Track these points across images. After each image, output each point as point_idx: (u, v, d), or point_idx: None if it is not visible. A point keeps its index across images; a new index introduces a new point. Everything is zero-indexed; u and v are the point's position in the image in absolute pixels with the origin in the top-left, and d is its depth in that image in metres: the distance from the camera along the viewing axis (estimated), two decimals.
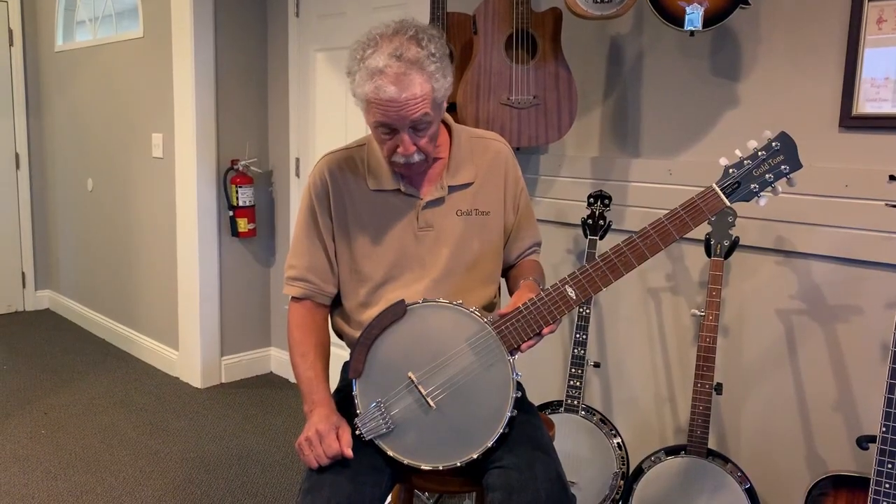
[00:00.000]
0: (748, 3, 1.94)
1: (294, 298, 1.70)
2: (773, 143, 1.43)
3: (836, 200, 1.97)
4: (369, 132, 1.73)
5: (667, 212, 1.46)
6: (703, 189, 1.45)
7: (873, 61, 1.91)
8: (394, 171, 1.64)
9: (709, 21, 1.95)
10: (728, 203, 1.44)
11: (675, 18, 1.97)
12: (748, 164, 1.44)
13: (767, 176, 1.44)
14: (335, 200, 1.66)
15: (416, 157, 1.54)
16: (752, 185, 1.44)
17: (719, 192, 1.44)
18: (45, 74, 4.95)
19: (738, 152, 1.46)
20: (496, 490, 1.46)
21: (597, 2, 2.08)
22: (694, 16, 1.95)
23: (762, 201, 1.45)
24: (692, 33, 1.99)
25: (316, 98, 3.52)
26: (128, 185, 4.22)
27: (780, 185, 1.45)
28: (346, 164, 1.68)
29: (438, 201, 1.65)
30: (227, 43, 3.65)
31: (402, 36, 1.47)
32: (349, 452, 1.50)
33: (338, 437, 1.51)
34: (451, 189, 1.66)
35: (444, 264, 1.66)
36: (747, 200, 1.45)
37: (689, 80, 2.28)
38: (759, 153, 1.44)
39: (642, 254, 1.46)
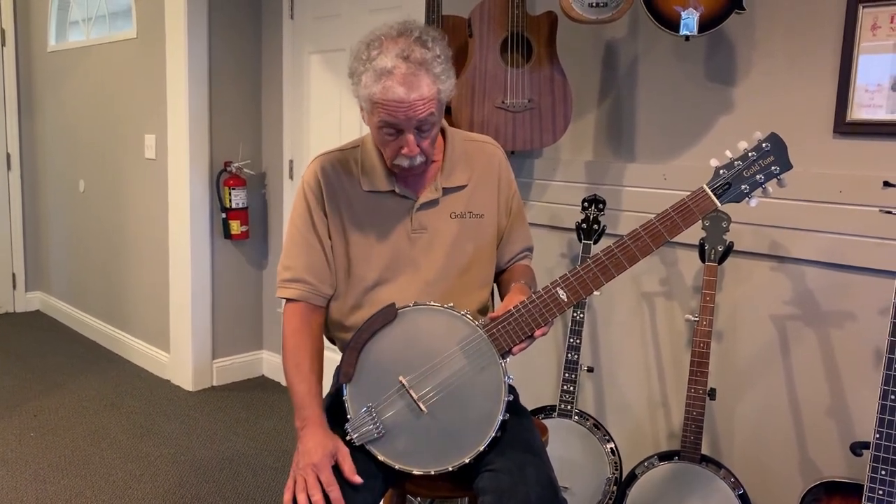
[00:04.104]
0: (743, 9, 1.94)
1: (289, 301, 1.66)
2: (763, 144, 1.43)
3: (831, 206, 1.97)
4: (363, 133, 1.73)
5: (658, 213, 1.45)
6: (693, 190, 1.45)
7: (867, 67, 1.91)
8: (388, 173, 1.64)
9: (704, 26, 1.95)
10: (719, 204, 1.44)
11: (671, 23, 1.97)
12: (738, 165, 1.44)
13: (758, 177, 1.43)
14: (329, 200, 1.65)
15: (419, 159, 1.54)
16: (743, 187, 1.44)
17: (710, 192, 1.44)
18: (37, 75, 4.92)
19: (728, 153, 1.46)
20: (487, 493, 1.45)
21: (592, 6, 2.08)
22: (689, 20, 1.95)
23: (753, 202, 1.45)
24: (687, 38, 1.98)
25: (310, 100, 3.51)
26: (120, 186, 4.19)
27: (771, 186, 1.44)
28: (340, 164, 1.67)
29: (433, 203, 1.65)
30: (221, 44, 3.64)
31: (408, 38, 1.46)
32: (357, 479, 1.46)
33: (338, 463, 1.48)
34: (446, 191, 1.66)
35: (437, 267, 1.65)
36: (738, 201, 1.45)
37: (683, 84, 2.27)
38: (750, 154, 1.43)
39: (633, 255, 1.45)
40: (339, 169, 1.66)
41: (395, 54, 1.44)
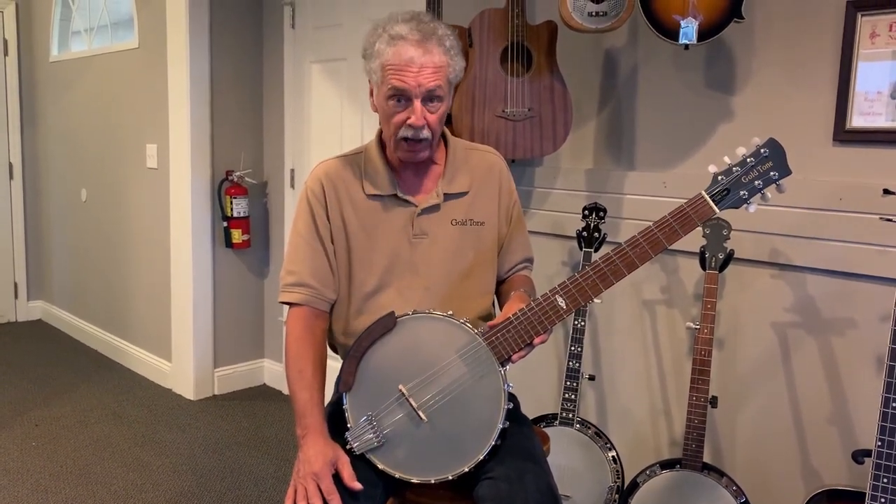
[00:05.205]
0: (742, 18, 1.95)
1: (292, 306, 1.66)
2: (762, 150, 1.42)
3: (831, 214, 1.97)
4: (365, 142, 1.74)
5: (656, 220, 1.45)
6: (692, 197, 1.45)
7: (866, 75, 1.91)
8: (391, 176, 1.64)
9: (703, 35, 1.95)
10: (717, 210, 1.43)
11: (670, 32, 1.97)
12: (737, 170, 1.43)
13: (756, 182, 1.42)
14: (332, 205, 1.66)
15: (424, 133, 1.55)
16: (742, 192, 1.43)
17: (708, 199, 1.43)
18: (39, 84, 4.94)
19: (726, 159, 1.45)
20: (486, 501, 1.45)
21: (592, 15, 2.09)
22: (688, 29, 1.96)
23: (752, 208, 1.44)
24: (687, 47, 1.99)
25: (311, 109, 3.52)
26: (122, 195, 4.21)
27: (770, 192, 1.43)
28: (343, 169, 1.68)
29: (434, 208, 1.65)
30: (223, 53, 3.65)
31: (420, 19, 1.54)
32: (357, 485, 1.46)
33: (338, 471, 1.48)
34: (447, 197, 1.66)
35: (437, 273, 1.65)
36: (736, 207, 1.44)
37: (683, 93, 2.28)
38: (748, 160, 1.42)
39: (632, 263, 1.45)
40: (342, 174, 1.67)
41: (409, 26, 1.52)
